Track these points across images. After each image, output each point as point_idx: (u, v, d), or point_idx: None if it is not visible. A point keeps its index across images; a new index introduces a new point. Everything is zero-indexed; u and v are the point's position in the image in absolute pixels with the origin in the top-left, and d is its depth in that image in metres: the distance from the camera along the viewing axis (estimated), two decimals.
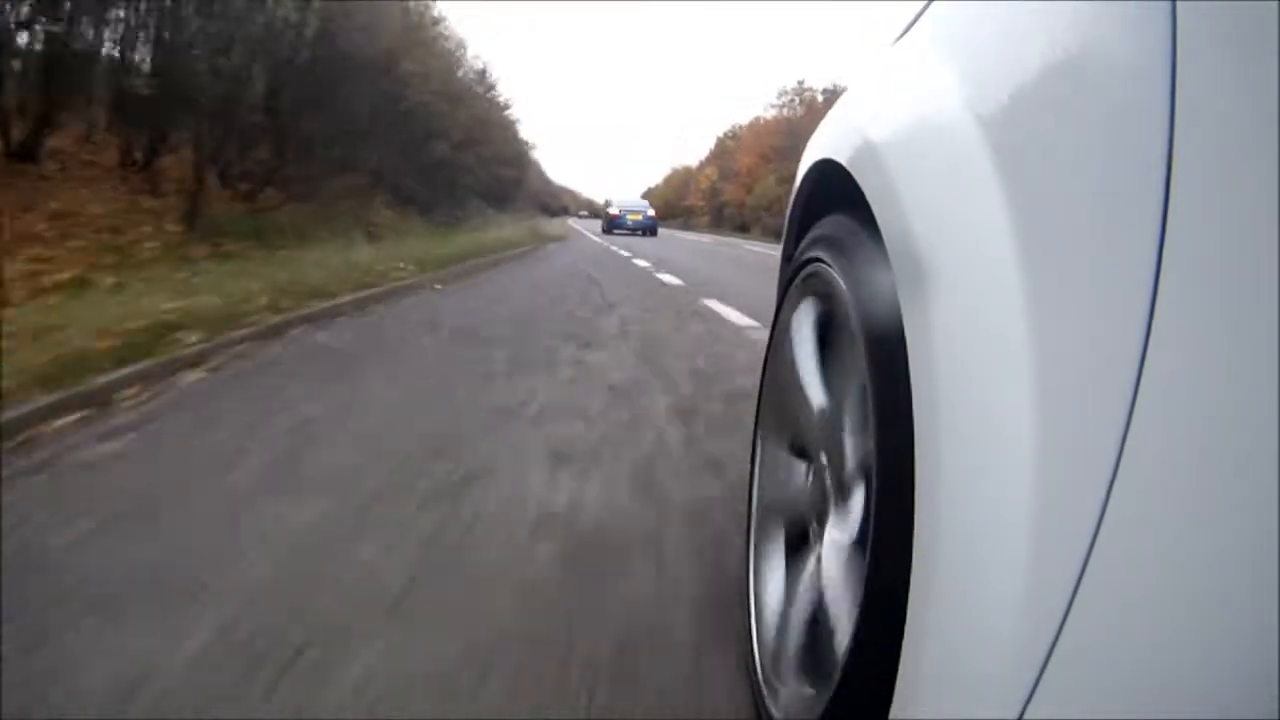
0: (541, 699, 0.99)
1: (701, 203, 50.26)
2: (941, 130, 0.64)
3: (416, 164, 11.20)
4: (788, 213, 1.26)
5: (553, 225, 19.88)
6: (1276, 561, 0.33)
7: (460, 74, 14.04)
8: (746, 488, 1.17)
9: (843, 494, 0.79)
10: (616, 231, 22.21)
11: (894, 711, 0.56)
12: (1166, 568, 0.37)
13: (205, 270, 4.40)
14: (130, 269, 4.22)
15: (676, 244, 17.99)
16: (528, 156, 27.11)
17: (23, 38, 5.00)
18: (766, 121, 42.53)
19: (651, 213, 23.45)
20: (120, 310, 2.99)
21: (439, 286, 5.63)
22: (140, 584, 1.21)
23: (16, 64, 5.04)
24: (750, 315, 4.78)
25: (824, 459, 0.87)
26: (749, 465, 1.19)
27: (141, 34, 6.13)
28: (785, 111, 41.50)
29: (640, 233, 22.13)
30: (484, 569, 1.32)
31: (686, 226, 46.38)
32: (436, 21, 12.56)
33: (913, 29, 0.88)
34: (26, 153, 5.17)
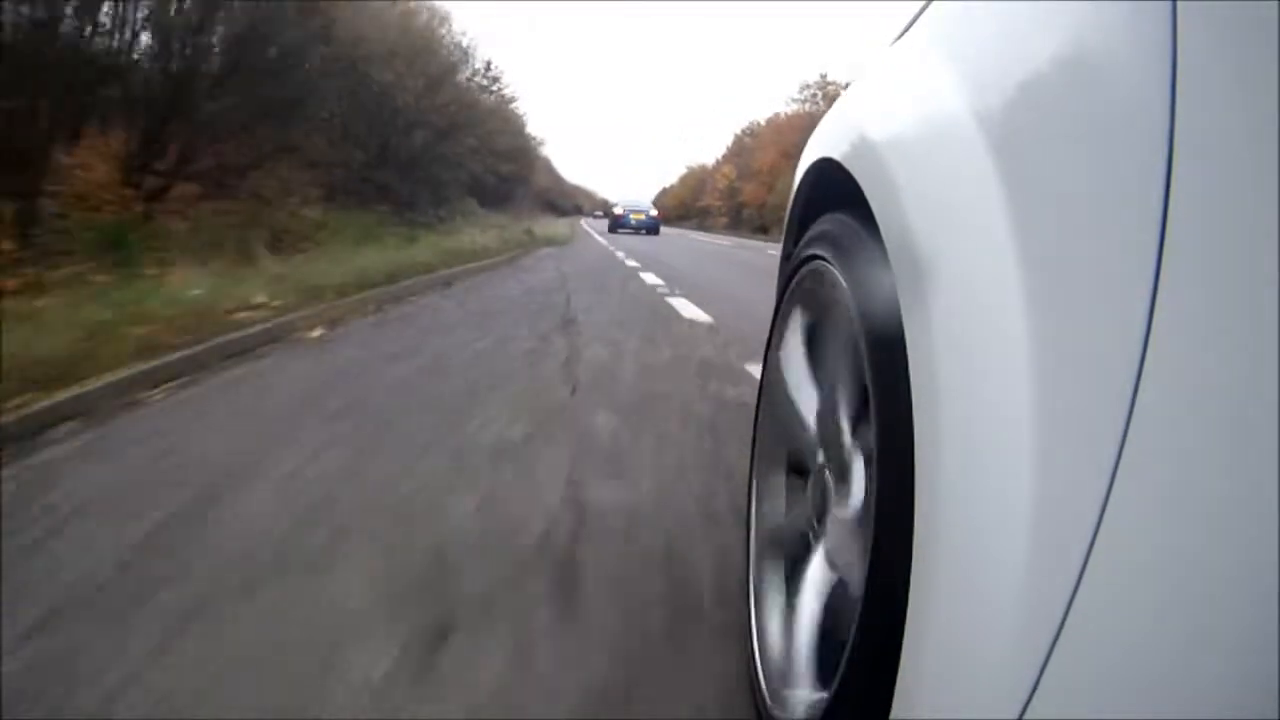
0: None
1: (718, 203, 47.99)
2: (941, 129, 0.64)
3: (391, 154, 10.07)
4: (787, 211, 1.26)
5: (557, 226, 18.43)
6: (1276, 561, 0.33)
7: (442, 52, 12.55)
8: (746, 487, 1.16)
9: (842, 493, 0.79)
10: (621, 230, 23.41)
11: (894, 711, 0.56)
12: (1166, 568, 0.37)
13: None
14: None
15: (697, 254, 13.35)
16: (533, 152, 26.57)
17: None
18: (788, 116, 41.07)
19: (654, 213, 24.64)
20: None
21: (318, 333, 3.51)
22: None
23: None
24: None
25: (824, 458, 0.87)
26: (749, 463, 1.19)
27: None
28: (807, 106, 39.99)
29: (643, 231, 23.35)
30: None
31: (702, 227, 44.60)
32: None
33: (912, 28, 0.88)
34: None
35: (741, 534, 1.20)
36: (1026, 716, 0.41)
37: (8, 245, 3.74)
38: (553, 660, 1.08)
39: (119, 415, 2.16)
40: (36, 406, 2.01)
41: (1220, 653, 0.36)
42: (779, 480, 1.09)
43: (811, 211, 1.08)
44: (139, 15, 4.81)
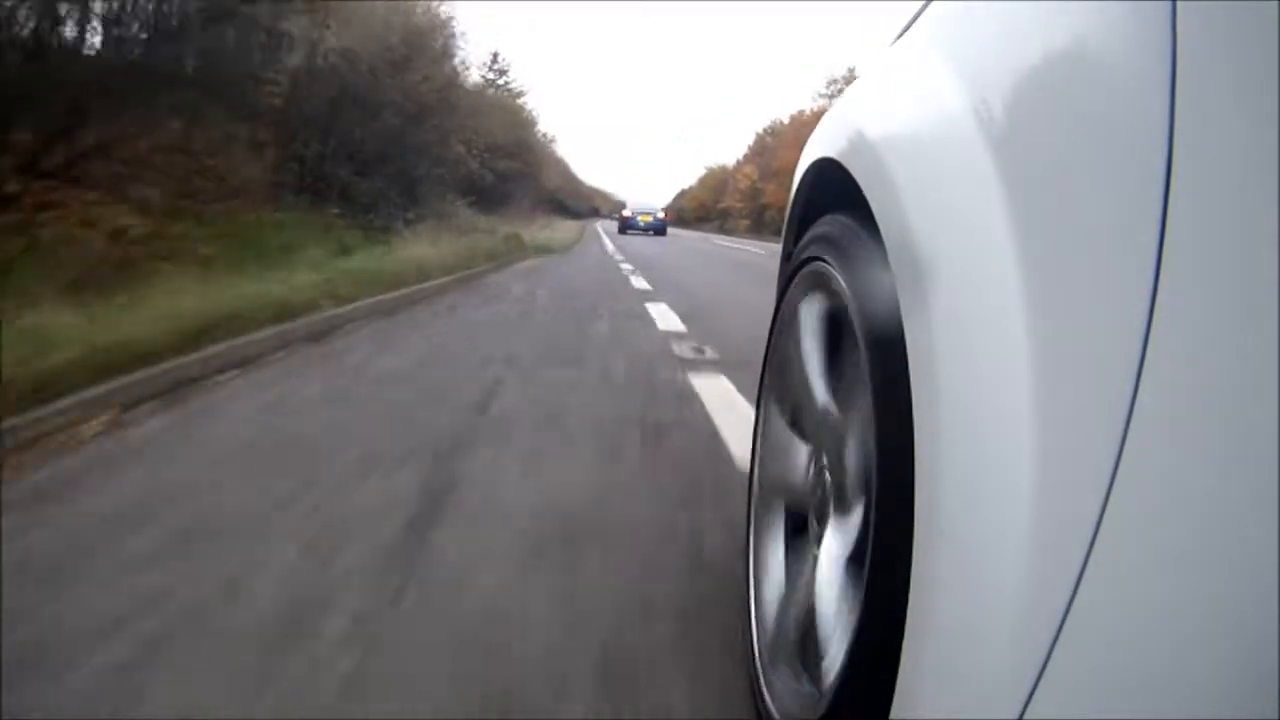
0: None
1: (740, 204, 45.53)
2: (941, 129, 0.64)
3: (355, 146, 8.14)
4: (787, 211, 1.26)
5: (561, 230, 16.61)
6: (1276, 561, 0.33)
7: (415, 21, 10.41)
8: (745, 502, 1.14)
9: (843, 493, 0.79)
10: (630, 231, 25.18)
11: (894, 711, 0.56)
12: (1166, 568, 0.37)
13: None
14: None
15: (724, 266, 10.62)
16: (539, 147, 26.16)
17: None
18: (814, 112, 39.41)
19: (660, 215, 26.60)
20: None
21: None
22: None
23: None
24: None
25: (824, 459, 0.87)
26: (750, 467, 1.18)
27: None
28: (835, 101, 39.17)
29: (651, 232, 25.16)
30: None
31: (723, 230, 42.37)
32: None
33: (912, 28, 0.88)
34: None
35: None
36: (1026, 716, 0.41)
37: None
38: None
39: None
40: None
41: (1220, 653, 0.36)
42: (779, 478, 1.09)
43: (811, 212, 1.08)
44: None
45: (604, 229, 27.04)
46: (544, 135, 26.30)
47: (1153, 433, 0.38)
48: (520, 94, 20.19)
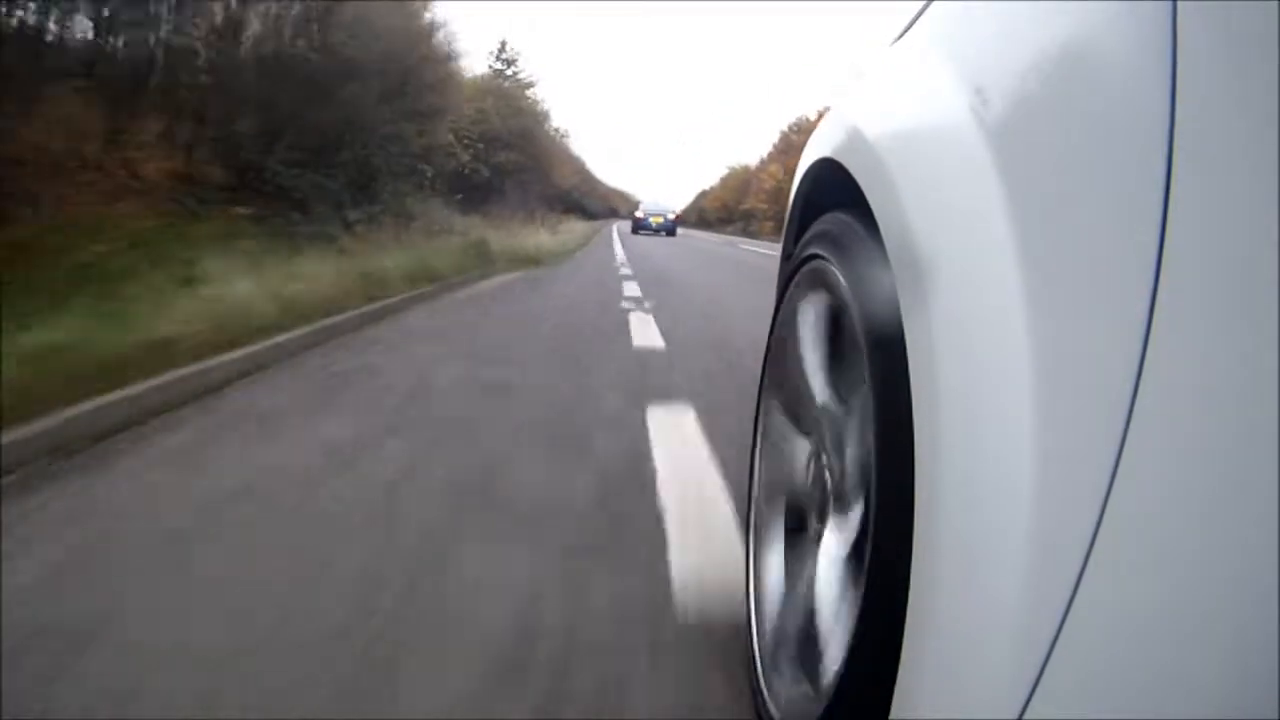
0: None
1: (764, 205, 42.39)
2: (940, 129, 0.64)
3: (291, 132, 6.41)
4: (788, 211, 1.26)
5: (564, 233, 14.10)
6: (1276, 561, 0.33)
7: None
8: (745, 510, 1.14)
9: (843, 493, 0.79)
10: (642, 231, 25.92)
11: (894, 711, 0.56)
12: (1166, 568, 0.37)
13: None
14: None
15: (758, 281, 7.59)
16: (546, 139, 25.21)
17: None
18: None
19: (672, 216, 27.34)
20: None
21: None
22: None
23: None
24: None
25: (824, 458, 0.87)
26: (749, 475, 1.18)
27: None
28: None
29: (663, 232, 25.96)
30: None
31: (747, 233, 38.85)
32: None
33: (912, 28, 0.88)
34: None
35: None
36: (1026, 716, 0.41)
37: None
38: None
39: None
40: None
41: (1219, 652, 0.36)
42: (780, 478, 1.09)
43: (811, 211, 1.08)
44: None
45: (619, 230, 26.79)
46: (556, 130, 25.78)
47: (1153, 433, 0.38)
48: (530, 84, 19.81)
